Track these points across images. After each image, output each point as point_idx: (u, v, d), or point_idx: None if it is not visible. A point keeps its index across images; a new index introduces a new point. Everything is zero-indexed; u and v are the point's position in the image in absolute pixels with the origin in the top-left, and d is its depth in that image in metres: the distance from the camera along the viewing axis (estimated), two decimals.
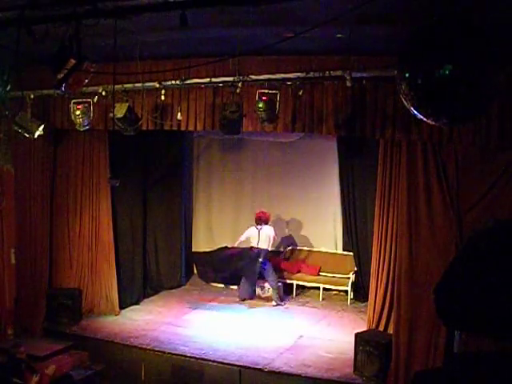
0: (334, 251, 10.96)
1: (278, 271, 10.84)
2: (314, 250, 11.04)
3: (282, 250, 11.33)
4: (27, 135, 7.82)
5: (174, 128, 7.84)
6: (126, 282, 9.69)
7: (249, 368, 7.41)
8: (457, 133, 6.26)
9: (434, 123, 3.69)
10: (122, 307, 9.48)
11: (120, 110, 7.31)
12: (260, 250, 10.01)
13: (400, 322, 6.92)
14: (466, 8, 3.52)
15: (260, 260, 9.98)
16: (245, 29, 6.12)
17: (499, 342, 6.02)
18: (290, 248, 11.26)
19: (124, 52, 6.68)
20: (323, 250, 10.99)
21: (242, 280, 10.31)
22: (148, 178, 10.56)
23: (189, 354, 7.76)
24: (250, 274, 10.16)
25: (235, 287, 11.16)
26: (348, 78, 6.47)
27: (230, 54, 6.61)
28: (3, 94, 7.20)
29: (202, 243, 12.00)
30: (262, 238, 10.04)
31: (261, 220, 10.08)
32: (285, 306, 10.11)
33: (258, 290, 10.47)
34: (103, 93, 7.69)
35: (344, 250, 10.89)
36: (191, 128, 7.84)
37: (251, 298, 10.33)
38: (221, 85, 7.34)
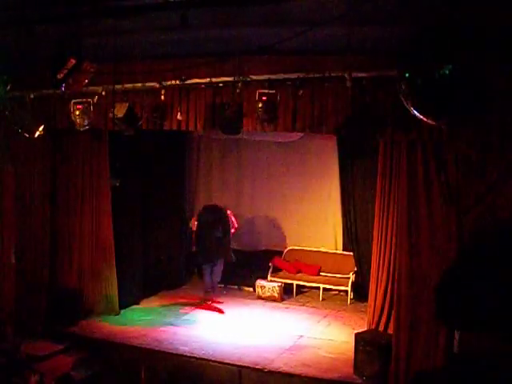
0: (334, 251, 10.95)
1: (278, 271, 10.90)
2: (314, 249, 11.03)
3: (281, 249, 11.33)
4: (27, 135, 7.82)
5: (174, 128, 7.84)
6: (126, 282, 9.68)
7: (249, 368, 7.39)
8: (457, 133, 6.26)
9: (433, 123, 3.70)
10: (121, 307, 9.48)
11: (120, 110, 7.31)
12: None
13: (400, 322, 6.91)
14: (466, 9, 3.53)
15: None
16: (245, 29, 6.13)
17: (499, 341, 6.03)
18: (290, 248, 11.25)
19: (124, 52, 6.69)
20: (323, 249, 10.97)
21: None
22: (148, 178, 10.55)
23: (189, 354, 7.76)
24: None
25: (235, 287, 11.18)
26: (348, 78, 6.47)
27: (229, 53, 6.61)
28: (3, 94, 7.20)
29: None
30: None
31: None
32: (285, 306, 10.10)
33: (258, 290, 10.49)
34: (103, 93, 7.69)
35: (344, 250, 10.88)
36: (191, 128, 7.83)
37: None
38: (221, 85, 7.34)
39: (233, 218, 10.04)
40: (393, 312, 7.19)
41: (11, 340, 8.18)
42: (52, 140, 8.97)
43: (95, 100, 7.74)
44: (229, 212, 10.01)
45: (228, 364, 7.48)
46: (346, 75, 6.47)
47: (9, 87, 7.19)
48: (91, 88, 7.34)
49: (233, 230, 10.01)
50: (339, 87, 6.74)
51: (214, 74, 7.29)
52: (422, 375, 6.68)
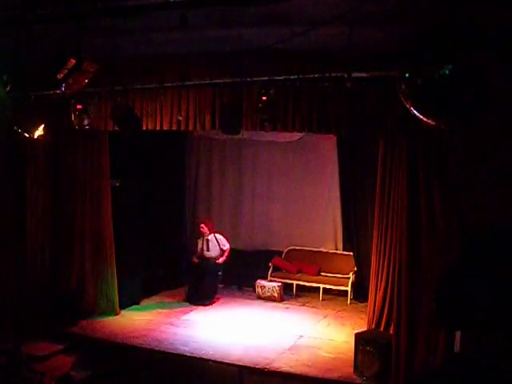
0: (334, 251, 10.95)
1: (278, 271, 10.91)
2: (314, 250, 11.03)
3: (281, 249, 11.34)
4: (27, 135, 7.82)
5: (174, 128, 7.84)
6: (126, 282, 9.68)
7: (249, 368, 7.40)
8: (457, 133, 6.25)
9: (433, 123, 3.70)
10: (122, 307, 9.49)
11: (120, 110, 7.31)
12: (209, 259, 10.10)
13: (400, 321, 6.91)
14: (466, 9, 3.54)
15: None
16: (245, 29, 6.12)
17: (499, 341, 6.02)
18: (290, 248, 11.25)
19: (124, 52, 6.70)
20: (323, 250, 10.98)
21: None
22: (148, 178, 10.56)
23: (189, 354, 7.77)
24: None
25: (235, 287, 11.18)
26: (348, 78, 6.46)
27: (230, 53, 6.61)
28: (3, 94, 7.20)
29: None
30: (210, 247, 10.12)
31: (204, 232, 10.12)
32: (285, 306, 10.12)
33: (258, 290, 10.51)
34: (103, 93, 7.69)
35: (344, 249, 10.88)
36: (191, 128, 7.83)
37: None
38: (221, 85, 7.34)
39: (225, 242, 10.17)
40: (393, 312, 7.19)
41: (11, 340, 8.18)
42: (52, 140, 8.97)
43: (95, 100, 7.74)
44: (220, 237, 10.14)
45: (228, 364, 7.49)
46: (345, 75, 6.47)
47: (9, 87, 7.18)
48: (91, 88, 7.33)
49: (227, 247, 10.17)
50: (339, 87, 6.74)
51: (214, 74, 7.29)
52: (422, 375, 6.67)
